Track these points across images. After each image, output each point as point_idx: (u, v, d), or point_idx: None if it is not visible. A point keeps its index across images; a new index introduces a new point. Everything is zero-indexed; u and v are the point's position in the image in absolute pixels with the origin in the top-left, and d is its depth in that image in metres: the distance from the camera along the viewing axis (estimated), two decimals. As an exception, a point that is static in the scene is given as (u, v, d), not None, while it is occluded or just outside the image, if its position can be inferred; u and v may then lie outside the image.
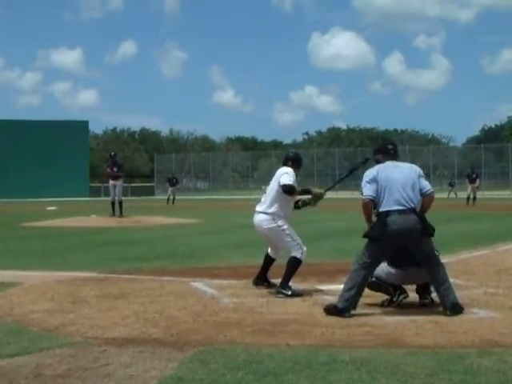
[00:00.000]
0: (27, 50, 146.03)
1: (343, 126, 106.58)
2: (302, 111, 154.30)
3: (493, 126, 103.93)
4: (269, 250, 7.53)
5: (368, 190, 6.13)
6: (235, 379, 4.07)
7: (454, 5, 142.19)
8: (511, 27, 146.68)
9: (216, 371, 4.22)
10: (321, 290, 7.29)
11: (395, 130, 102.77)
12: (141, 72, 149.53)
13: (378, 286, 6.38)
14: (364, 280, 6.03)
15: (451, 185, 48.97)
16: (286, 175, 7.14)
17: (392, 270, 6.29)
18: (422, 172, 6.30)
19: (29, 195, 50.20)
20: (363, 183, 6.22)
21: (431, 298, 6.40)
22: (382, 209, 6.05)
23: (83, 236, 15.81)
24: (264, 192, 7.53)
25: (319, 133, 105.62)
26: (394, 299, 6.33)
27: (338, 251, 10.98)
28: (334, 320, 5.71)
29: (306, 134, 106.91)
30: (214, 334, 5.25)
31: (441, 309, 6.04)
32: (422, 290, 6.42)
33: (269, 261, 7.52)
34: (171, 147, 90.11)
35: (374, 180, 6.13)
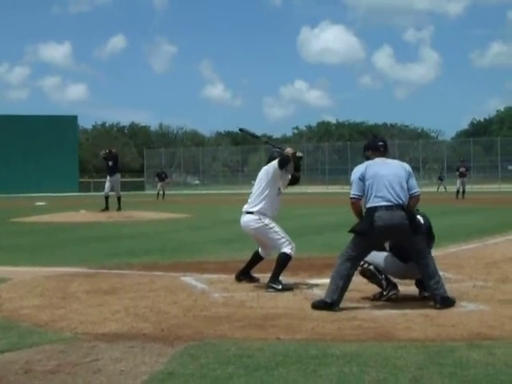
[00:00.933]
0: (15, 44, 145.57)
1: (333, 121, 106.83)
2: (291, 106, 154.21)
3: (482, 119, 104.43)
4: (259, 249, 7.52)
5: (355, 189, 6.19)
6: (226, 373, 4.06)
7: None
8: (500, 20, 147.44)
9: (206, 366, 4.22)
10: (311, 285, 7.30)
11: (385, 124, 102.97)
12: (130, 66, 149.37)
13: (373, 275, 6.37)
14: (350, 273, 6.05)
15: (440, 178, 49.12)
16: (272, 163, 7.18)
17: (395, 261, 6.29)
18: (411, 171, 6.31)
19: (18, 190, 50.00)
20: (351, 180, 6.26)
21: None
22: (369, 205, 6.08)
23: (73, 231, 15.77)
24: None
25: (309, 127, 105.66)
26: (384, 293, 6.34)
27: (329, 246, 10.99)
28: (324, 314, 5.72)
29: (296, 128, 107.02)
30: (205, 328, 5.25)
31: (431, 302, 6.06)
32: (422, 284, 6.43)
33: (256, 259, 7.51)
34: (161, 142, 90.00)
35: (361, 178, 6.16)
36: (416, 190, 6.22)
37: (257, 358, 4.35)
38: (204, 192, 56.17)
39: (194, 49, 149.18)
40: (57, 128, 58.37)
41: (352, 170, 6.37)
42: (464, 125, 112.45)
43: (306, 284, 7.37)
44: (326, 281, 6.47)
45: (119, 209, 21.48)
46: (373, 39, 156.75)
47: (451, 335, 4.97)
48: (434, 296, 6.01)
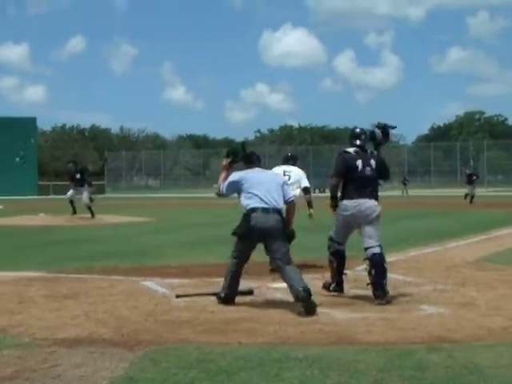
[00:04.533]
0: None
1: (295, 124, 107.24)
2: (253, 109, 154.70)
3: (441, 124, 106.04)
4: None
5: (226, 187, 6.62)
6: (187, 378, 4.03)
7: (403, 3, 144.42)
8: (460, 26, 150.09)
9: (168, 370, 4.19)
10: (273, 288, 7.29)
11: (346, 128, 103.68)
12: (90, 68, 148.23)
13: (332, 269, 6.89)
14: (239, 271, 6.48)
15: (404, 183, 49.57)
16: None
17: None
18: (284, 180, 7.09)
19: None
20: (227, 182, 6.63)
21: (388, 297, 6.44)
22: (248, 206, 6.39)
23: (31, 235, 15.54)
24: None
25: (271, 131, 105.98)
26: (331, 287, 6.92)
27: (300, 248, 10.99)
28: (286, 318, 5.73)
29: (258, 131, 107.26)
30: (166, 333, 5.21)
31: (391, 305, 6.12)
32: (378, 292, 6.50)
33: None
34: (122, 145, 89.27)
35: (237, 180, 6.54)
36: (291, 195, 6.74)
37: (218, 363, 4.33)
38: (165, 195, 55.83)
39: (155, 51, 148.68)
40: (15, 130, 57.39)
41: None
42: (424, 129, 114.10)
43: (268, 288, 7.37)
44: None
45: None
46: (334, 43, 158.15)
47: (411, 338, 5.02)
48: (296, 294, 5.98)
